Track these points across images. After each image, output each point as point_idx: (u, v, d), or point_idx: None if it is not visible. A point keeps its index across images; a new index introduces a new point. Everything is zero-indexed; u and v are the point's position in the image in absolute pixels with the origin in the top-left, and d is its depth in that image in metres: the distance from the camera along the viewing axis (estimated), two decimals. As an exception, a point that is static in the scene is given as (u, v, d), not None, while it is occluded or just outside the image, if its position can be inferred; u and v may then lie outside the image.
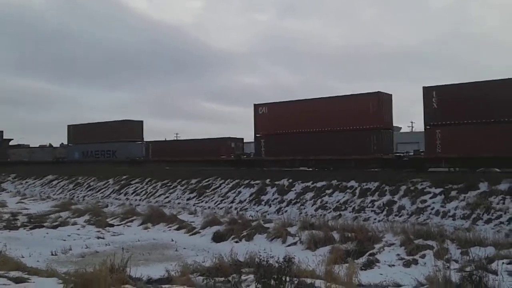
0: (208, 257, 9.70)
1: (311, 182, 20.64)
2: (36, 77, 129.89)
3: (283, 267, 5.47)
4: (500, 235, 11.87)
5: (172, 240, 14.00)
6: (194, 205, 21.93)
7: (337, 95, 25.86)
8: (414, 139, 36.06)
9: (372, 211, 17.07)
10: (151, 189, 26.78)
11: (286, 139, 26.50)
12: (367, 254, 10.56)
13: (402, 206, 16.65)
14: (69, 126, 44.80)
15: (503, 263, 7.98)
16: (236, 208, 20.37)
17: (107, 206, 23.20)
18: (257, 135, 28.52)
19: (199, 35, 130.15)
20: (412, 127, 54.11)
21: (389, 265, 9.85)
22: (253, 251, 9.45)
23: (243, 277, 6.92)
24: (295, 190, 20.54)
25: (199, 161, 31.50)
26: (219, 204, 21.74)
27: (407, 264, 9.83)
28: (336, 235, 12.19)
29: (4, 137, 54.00)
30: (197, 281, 7.19)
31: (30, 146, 54.90)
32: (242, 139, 33.10)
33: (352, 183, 19.35)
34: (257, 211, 19.28)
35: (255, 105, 28.70)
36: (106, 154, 40.40)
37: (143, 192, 26.69)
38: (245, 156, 30.64)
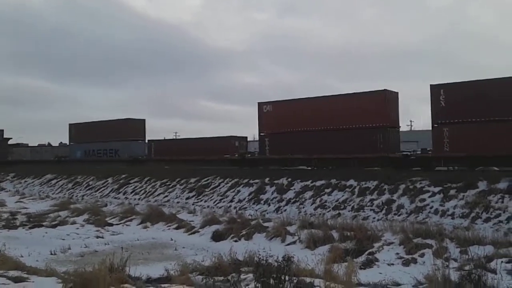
0: (207, 256, 9.68)
1: (310, 181, 20.62)
2: (35, 75, 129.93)
3: (282, 266, 5.46)
4: (499, 234, 11.89)
5: (171, 239, 14.00)
6: (193, 204, 21.92)
7: (343, 93, 25.37)
8: (413, 138, 36.15)
9: (371, 210, 17.07)
10: (150, 188, 26.77)
11: (291, 137, 26.03)
12: (366, 253, 10.58)
13: (401, 205, 16.64)
14: (70, 125, 44.49)
15: (502, 262, 8.02)
16: (235, 207, 20.35)
17: (106, 205, 23.20)
18: (261, 133, 28.02)
19: (199, 33, 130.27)
20: (411, 126, 54.17)
21: (388, 264, 9.86)
22: (252, 250, 9.42)
23: (242, 276, 6.94)
24: (294, 189, 20.53)
25: (202, 160, 31.06)
26: (218, 203, 21.73)
27: (406, 263, 9.84)
28: (335, 234, 12.22)
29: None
30: (196, 280, 7.19)
31: (29, 145, 54.87)
32: (246, 137, 32.90)
33: (351, 182, 19.34)
34: (256, 210, 19.28)
35: (259, 103, 28.10)
36: (109, 153, 40.10)
37: (142, 191, 26.68)
38: (249, 155, 30.09)
